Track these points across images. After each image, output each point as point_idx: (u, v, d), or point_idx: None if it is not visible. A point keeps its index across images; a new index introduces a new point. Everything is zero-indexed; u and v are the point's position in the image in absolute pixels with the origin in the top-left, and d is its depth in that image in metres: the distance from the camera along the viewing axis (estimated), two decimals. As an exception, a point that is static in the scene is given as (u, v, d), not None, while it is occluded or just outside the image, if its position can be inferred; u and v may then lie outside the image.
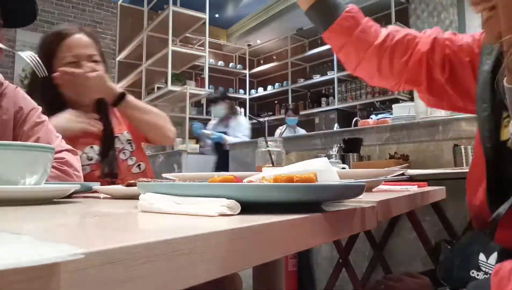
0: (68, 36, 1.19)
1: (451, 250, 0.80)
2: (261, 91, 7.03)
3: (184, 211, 0.42)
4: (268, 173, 0.62)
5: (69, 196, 0.70)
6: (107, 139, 1.26)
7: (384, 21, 5.06)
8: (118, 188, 0.77)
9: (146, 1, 5.24)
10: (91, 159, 1.25)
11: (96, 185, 0.81)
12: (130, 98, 1.24)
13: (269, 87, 6.90)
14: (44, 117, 1.14)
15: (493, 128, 0.66)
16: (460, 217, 1.83)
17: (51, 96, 1.19)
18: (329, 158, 2.12)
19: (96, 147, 1.27)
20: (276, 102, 6.88)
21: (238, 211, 0.41)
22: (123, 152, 1.29)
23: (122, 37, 5.92)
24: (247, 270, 0.40)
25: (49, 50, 1.20)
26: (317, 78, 5.99)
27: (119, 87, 1.25)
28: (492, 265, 0.66)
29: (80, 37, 1.21)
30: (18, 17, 1.02)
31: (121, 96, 1.22)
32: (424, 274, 0.82)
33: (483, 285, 0.56)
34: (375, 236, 2.09)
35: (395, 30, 0.89)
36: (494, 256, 0.67)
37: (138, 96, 4.78)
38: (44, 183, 0.65)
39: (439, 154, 2.18)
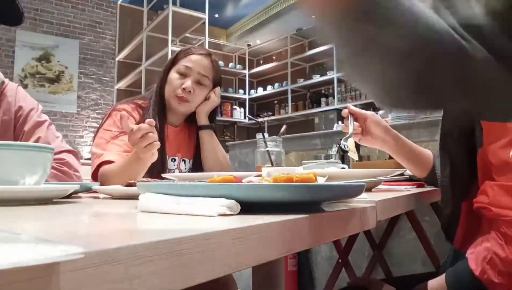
0: (194, 53, 1.30)
1: (454, 251, 0.81)
2: (260, 91, 7.02)
3: (183, 211, 0.42)
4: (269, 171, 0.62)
5: (69, 196, 0.70)
6: (197, 154, 1.36)
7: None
8: (118, 188, 0.77)
9: (146, 1, 5.24)
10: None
11: (95, 185, 0.81)
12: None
13: (269, 87, 6.90)
14: (45, 117, 1.14)
15: None
16: (459, 217, 1.83)
17: (161, 97, 1.30)
18: (328, 158, 2.13)
19: (188, 162, 1.35)
20: (275, 102, 6.88)
21: (238, 211, 0.41)
22: None
23: (121, 37, 5.92)
24: (247, 270, 0.40)
25: (174, 58, 1.32)
26: (316, 78, 5.99)
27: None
28: None
29: (203, 57, 1.31)
30: (4, 17, 1.02)
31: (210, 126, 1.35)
32: (425, 277, 0.83)
33: (460, 265, 0.60)
34: (374, 236, 2.09)
35: None
36: None
37: (138, 96, 4.76)
38: (44, 183, 0.65)
39: (438, 154, 2.17)
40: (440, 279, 0.58)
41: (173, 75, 1.29)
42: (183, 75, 1.28)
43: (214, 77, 1.32)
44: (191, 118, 1.38)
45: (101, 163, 1.11)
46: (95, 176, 1.13)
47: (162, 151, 1.19)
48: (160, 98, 1.30)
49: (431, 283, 0.60)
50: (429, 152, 1.01)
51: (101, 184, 1.06)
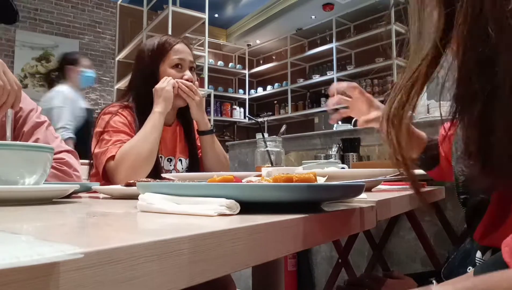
0: (178, 43, 1.33)
1: (456, 250, 0.81)
2: (260, 91, 7.02)
3: (183, 211, 0.42)
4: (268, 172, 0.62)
5: (69, 196, 0.70)
6: (193, 153, 1.37)
7: (384, 21, 5.07)
8: (118, 188, 0.77)
9: (146, 1, 5.24)
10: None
11: (95, 185, 0.81)
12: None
13: (269, 87, 6.90)
14: (44, 118, 1.14)
15: None
16: (459, 217, 1.83)
17: (145, 95, 1.29)
18: (328, 158, 2.13)
19: (184, 161, 1.36)
20: (275, 102, 6.88)
21: (238, 211, 0.41)
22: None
23: (121, 37, 5.91)
24: (247, 270, 0.40)
25: (158, 53, 1.31)
26: (316, 78, 5.99)
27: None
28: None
29: (184, 46, 1.35)
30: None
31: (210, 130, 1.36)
32: (425, 275, 0.83)
33: (493, 260, 0.58)
34: (374, 236, 2.09)
35: None
36: (488, 253, 0.68)
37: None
38: (44, 183, 0.65)
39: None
40: (463, 280, 0.57)
41: (169, 70, 1.29)
42: (178, 68, 1.30)
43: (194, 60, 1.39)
44: (182, 115, 1.38)
45: (110, 158, 1.12)
46: (103, 175, 1.13)
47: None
48: (149, 99, 1.26)
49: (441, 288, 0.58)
50: (423, 133, 1.03)
51: (117, 170, 1.10)
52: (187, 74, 1.30)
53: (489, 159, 0.47)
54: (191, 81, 1.29)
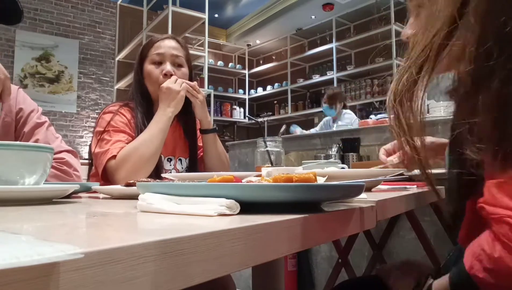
0: (160, 40, 1.33)
1: (456, 249, 0.81)
2: (260, 91, 7.02)
3: (183, 211, 0.42)
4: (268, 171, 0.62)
5: (69, 196, 0.70)
6: (193, 153, 1.37)
7: (384, 21, 5.07)
8: (117, 188, 0.77)
9: (146, 1, 5.23)
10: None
11: (95, 185, 0.81)
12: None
13: (269, 87, 6.90)
14: (44, 118, 1.15)
15: None
16: (459, 217, 1.82)
17: (143, 94, 1.31)
18: (328, 158, 2.13)
19: (184, 161, 1.36)
20: (275, 102, 6.88)
21: (238, 211, 0.41)
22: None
23: (121, 37, 5.91)
24: (247, 270, 0.40)
25: (142, 52, 1.33)
26: (316, 78, 6.00)
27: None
28: None
29: (169, 41, 1.34)
30: (3, 16, 1.02)
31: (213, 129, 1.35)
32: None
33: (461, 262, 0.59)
34: (374, 236, 2.09)
35: None
36: None
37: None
38: (44, 183, 0.65)
39: (438, 154, 2.17)
40: (445, 278, 0.58)
41: (149, 66, 1.29)
42: (159, 63, 1.29)
43: (186, 55, 1.35)
44: (183, 115, 1.37)
45: (111, 158, 1.12)
46: (103, 175, 1.13)
47: None
48: (144, 98, 1.29)
49: (436, 283, 0.60)
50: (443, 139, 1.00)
51: (118, 170, 1.09)
52: (166, 68, 1.28)
53: (506, 140, 0.45)
54: (170, 75, 1.27)
